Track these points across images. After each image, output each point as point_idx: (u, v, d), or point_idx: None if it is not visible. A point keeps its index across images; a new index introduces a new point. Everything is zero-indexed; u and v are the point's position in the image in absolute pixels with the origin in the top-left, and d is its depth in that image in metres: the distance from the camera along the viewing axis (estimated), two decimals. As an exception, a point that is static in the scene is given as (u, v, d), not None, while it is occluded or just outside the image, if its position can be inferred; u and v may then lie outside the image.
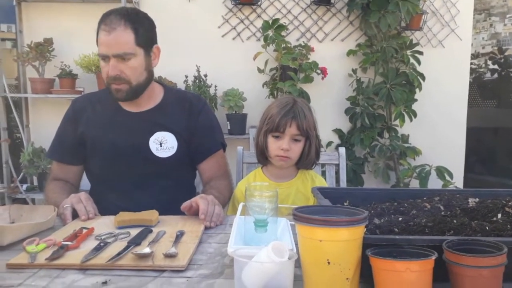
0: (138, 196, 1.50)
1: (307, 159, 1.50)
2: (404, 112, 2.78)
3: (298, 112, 1.44)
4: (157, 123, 1.54)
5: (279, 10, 2.86)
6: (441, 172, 2.65)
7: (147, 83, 1.52)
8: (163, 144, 1.52)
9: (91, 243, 1.05)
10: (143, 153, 1.50)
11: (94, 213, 1.29)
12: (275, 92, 2.73)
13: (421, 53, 2.78)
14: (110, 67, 1.42)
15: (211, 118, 1.65)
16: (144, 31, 1.46)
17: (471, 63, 3.21)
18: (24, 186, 2.75)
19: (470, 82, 3.02)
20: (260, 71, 2.75)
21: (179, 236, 1.11)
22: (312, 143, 1.48)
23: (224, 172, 1.64)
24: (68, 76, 2.69)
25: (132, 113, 1.55)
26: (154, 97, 1.58)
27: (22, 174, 2.77)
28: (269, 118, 1.46)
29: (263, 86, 2.80)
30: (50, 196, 1.50)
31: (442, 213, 1.00)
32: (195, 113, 1.58)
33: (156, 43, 1.54)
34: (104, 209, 1.33)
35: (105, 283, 0.87)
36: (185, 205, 1.29)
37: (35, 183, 2.79)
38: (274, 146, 1.46)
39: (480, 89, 4.14)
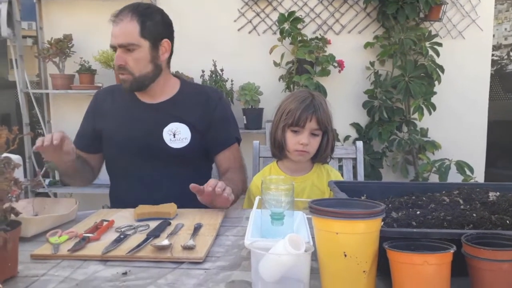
0: (154, 187, 1.52)
1: (324, 153, 1.50)
2: (423, 105, 2.73)
3: (318, 106, 1.44)
4: (171, 114, 1.56)
5: (295, 3, 2.84)
6: (461, 166, 2.60)
7: (154, 76, 1.53)
8: (177, 135, 1.54)
9: (112, 235, 1.08)
10: (157, 143, 1.53)
11: (51, 141, 1.27)
12: (292, 86, 2.71)
13: (440, 44, 2.72)
14: (116, 57, 1.48)
15: (227, 111, 1.66)
16: (152, 24, 1.48)
17: (493, 55, 3.13)
18: (47, 181, 2.81)
19: (491, 74, 2.94)
20: (276, 64, 2.74)
21: (197, 228, 1.13)
22: (329, 137, 1.48)
23: (239, 165, 1.65)
24: (87, 72, 2.74)
25: (147, 104, 1.58)
26: (169, 89, 1.60)
27: (44, 169, 2.84)
28: (288, 112, 1.45)
29: (279, 79, 2.79)
30: None
31: (461, 206, 0.99)
32: (212, 106, 1.60)
33: (167, 37, 1.54)
34: (123, 199, 1.34)
35: (125, 273, 0.89)
36: (194, 185, 1.26)
37: (57, 177, 2.86)
38: (293, 140, 1.45)
39: (502, 81, 4.03)
